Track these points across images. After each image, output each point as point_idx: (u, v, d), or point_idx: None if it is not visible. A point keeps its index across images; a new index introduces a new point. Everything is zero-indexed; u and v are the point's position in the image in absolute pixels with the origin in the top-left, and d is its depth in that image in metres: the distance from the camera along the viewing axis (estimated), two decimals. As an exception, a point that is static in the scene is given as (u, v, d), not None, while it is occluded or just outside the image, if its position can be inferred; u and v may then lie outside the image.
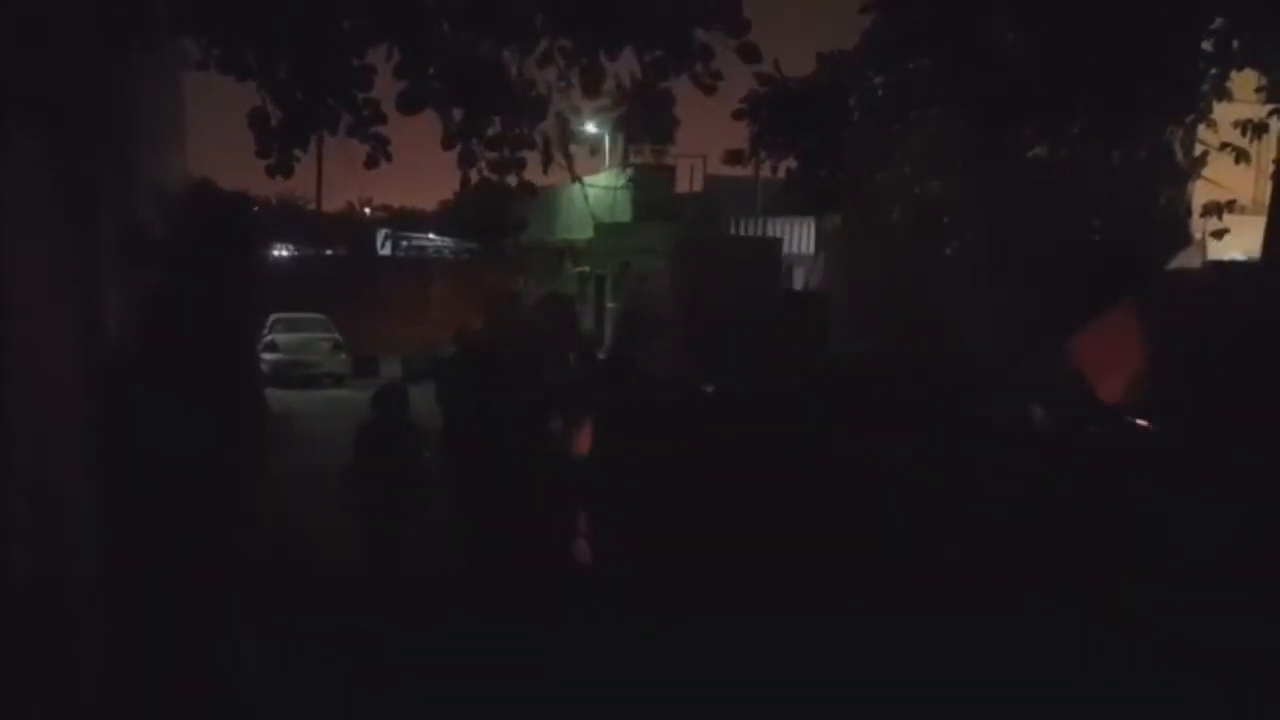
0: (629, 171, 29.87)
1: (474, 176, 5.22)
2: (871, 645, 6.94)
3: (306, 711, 5.85)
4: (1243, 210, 10.50)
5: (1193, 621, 7.23)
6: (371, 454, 7.31)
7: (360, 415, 7.88)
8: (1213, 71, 8.45)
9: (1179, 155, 12.30)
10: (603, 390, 8.32)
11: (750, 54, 5.03)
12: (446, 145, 5.06)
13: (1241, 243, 12.03)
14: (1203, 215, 10.20)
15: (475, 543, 7.86)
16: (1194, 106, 9.04)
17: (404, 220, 47.45)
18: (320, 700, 5.91)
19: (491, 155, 5.10)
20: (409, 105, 4.96)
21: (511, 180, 5.16)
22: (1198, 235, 12.97)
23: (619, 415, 7.90)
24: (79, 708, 4.34)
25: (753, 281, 13.94)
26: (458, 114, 5.00)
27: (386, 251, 37.47)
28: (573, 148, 5.36)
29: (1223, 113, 9.12)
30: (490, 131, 5.06)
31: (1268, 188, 10.32)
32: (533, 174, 5.45)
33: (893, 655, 6.77)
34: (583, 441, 8.01)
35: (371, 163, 5.26)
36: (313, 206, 40.69)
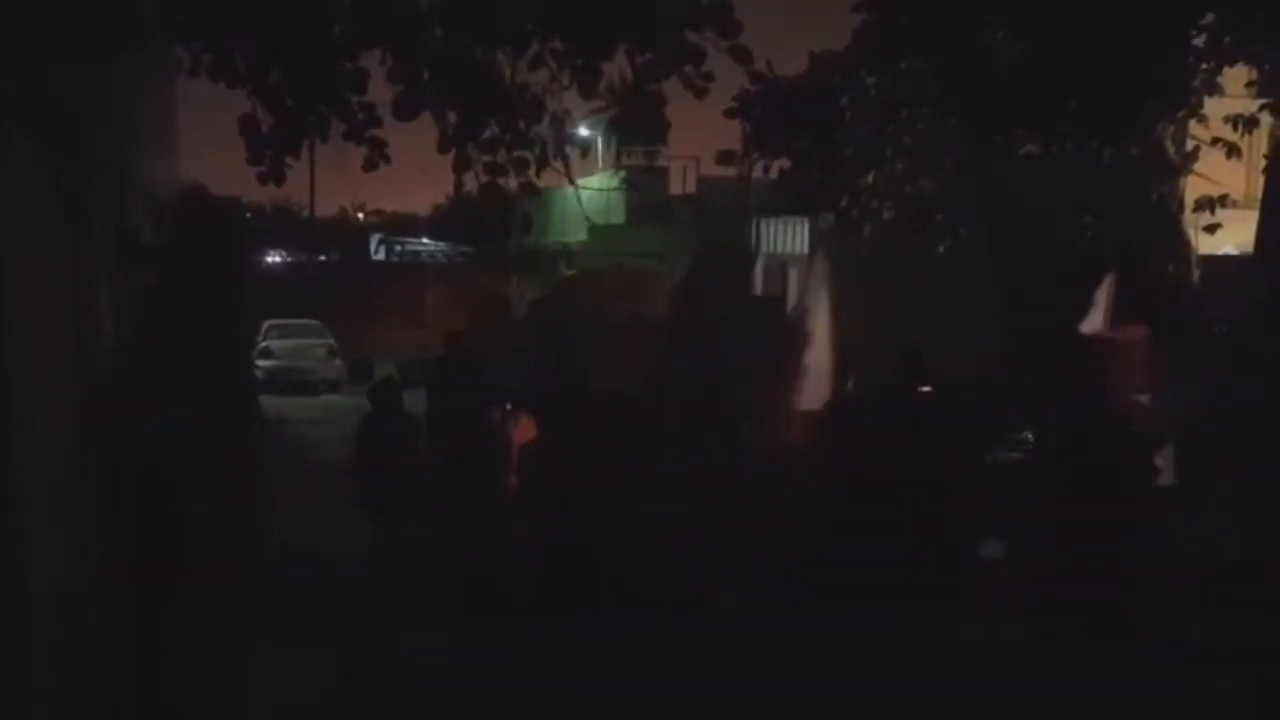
0: (622, 173, 29.87)
1: (469, 181, 5.21)
2: (872, 651, 6.93)
3: (307, 712, 5.85)
4: (1235, 205, 10.50)
5: (1192, 622, 7.24)
6: (374, 448, 7.44)
7: (355, 419, 7.93)
8: (1204, 66, 8.46)
9: (1170, 151, 12.31)
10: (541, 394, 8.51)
11: (742, 56, 5.04)
12: (443, 149, 5.05)
13: (1234, 237, 12.05)
14: (1195, 210, 10.22)
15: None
16: (1185, 102, 9.05)
17: (397, 225, 47.36)
18: (321, 701, 5.91)
19: (487, 159, 5.09)
20: (405, 111, 4.95)
21: (512, 182, 5.15)
22: (1190, 230, 12.99)
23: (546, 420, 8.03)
24: (79, 709, 4.33)
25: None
26: (453, 118, 4.98)
27: (380, 256, 37.41)
28: (568, 149, 5.32)
29: (1214, 108, 9.15)
30: (486, 134, 5.05)
31: (1260, 182, 10.34)
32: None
33: (895, 660, 6.77)
34: (517, 441, 8.15)
35: (370, 166, 5.23)
36: (306, 212, 40.64)
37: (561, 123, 5.14)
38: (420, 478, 7.65)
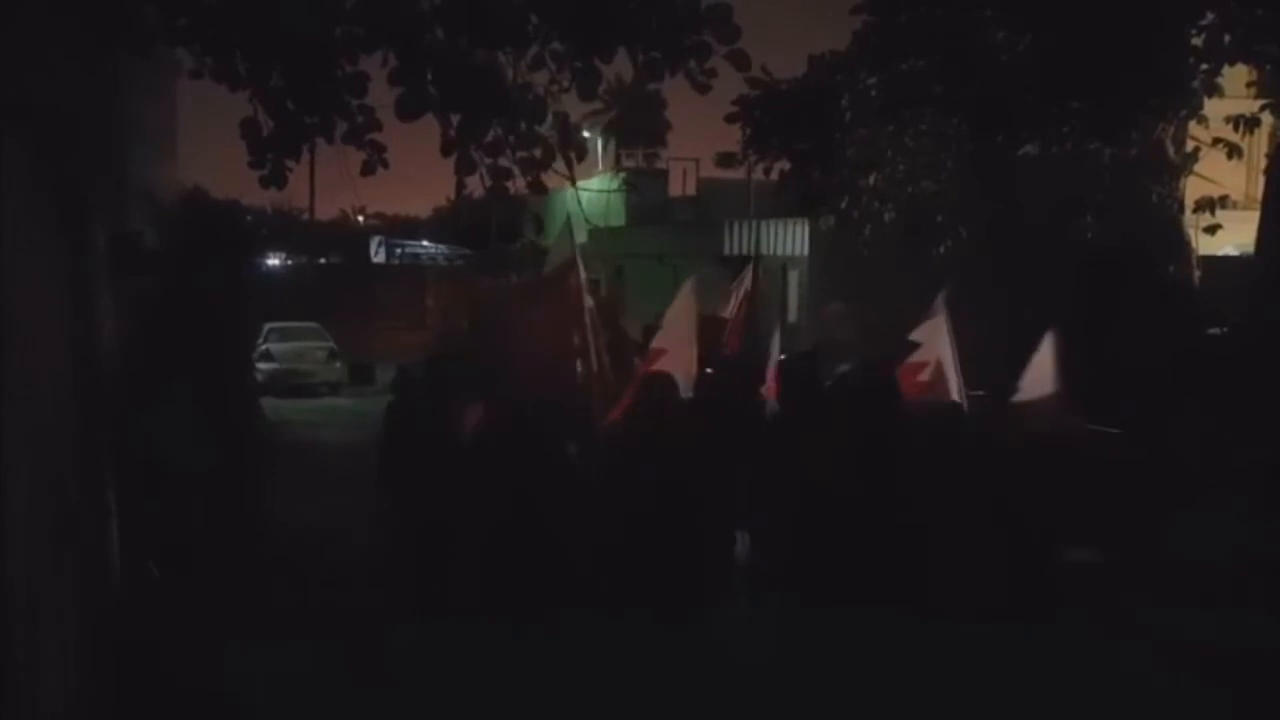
0: (622, 175, 29.86)
1: (472, 184, 5.20)
2: (868, 649, 6.94)
3: (306, 712, 5.85)
4: (1235, 205, 10.51)
5: (1190, 623, 7.24)
6: (399, 434, 7.54)
7: (355, 424, 7.94)
8: (1203, 67, 8.46)
9: (1170, 151, 12.32)
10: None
11: (740, 62, 5.04)
12: (446, 152, 5.04)
13: (1234, 238, 12.07)
14: (1195, 211, 10.23)
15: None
16: (1185, 102, 9.06)
17: (398, 228, 47.38)
18: (321, 701, 5.91)
19: (490, 161, 5.08)
20: (408, 111, 4.94)
21: (518, 183, 5.14)
22: (1190, 231, 13.01)
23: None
24: (78, 712, 4.32)
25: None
26: (455, 120, 4.98)
27: (381, 259, 37.43)
28: (570, 150, 5.31)
29: (1214, 108, 9.15)
30: (489, 136, 5.04)
31: (1260, 183, 10.35)
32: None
33: (892, 660, 6.76)
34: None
35: (368, 169, 5.24)
36: (307, 215, 40.66)
37: (565, 123, 5.12)
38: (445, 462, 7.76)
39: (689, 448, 7.45)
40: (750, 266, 10.33)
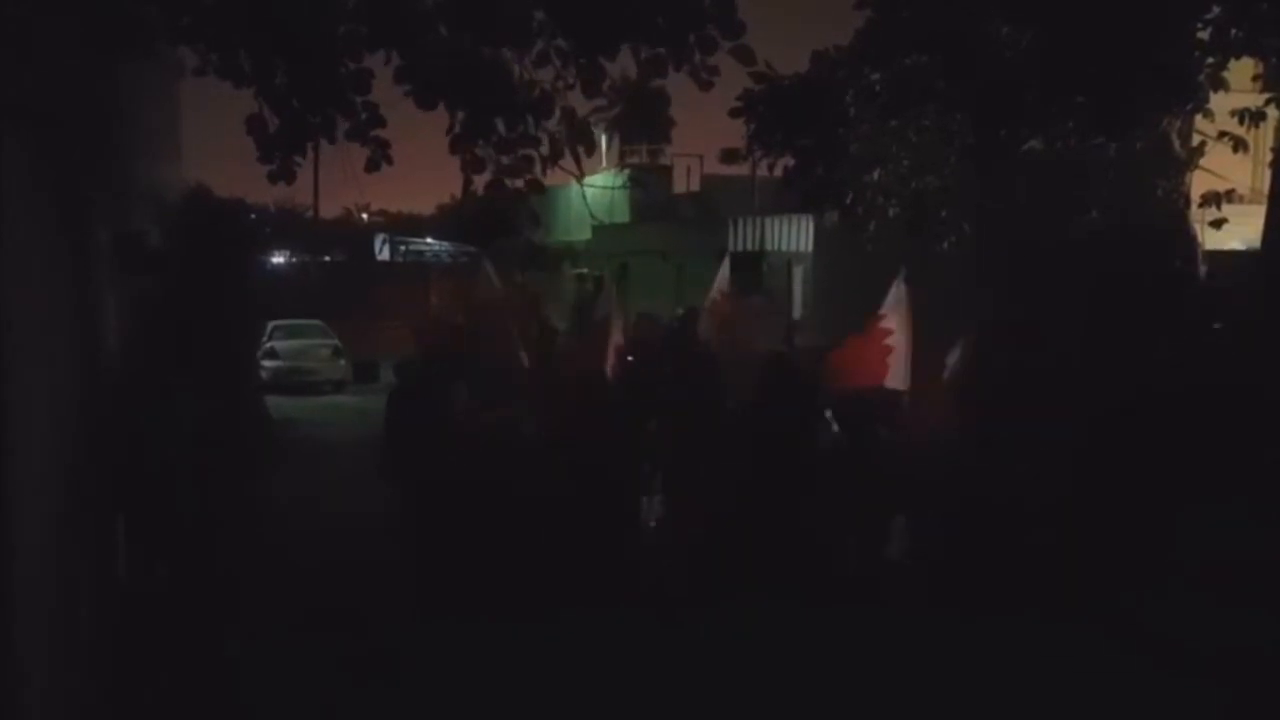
0: (626, 172, 29.84)
1: (477, 181, 5.19)
2: (868, 649, 6.94)
3: (306, 712, 5.86)
4: (1242, 199, 10.46)
5: (1188, 625, 7.22)
6: (403, 420, 7.98)
7: (359, 421, 7.98)
8: (1209, 61, 8.43)
9: (1176, 146, 12.26)
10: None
11: (745, 57, 5.03)
12: (455, 150, 5.04)
13: (1240, 232, 12.02)
14: (1201, 205, 10.18)
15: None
16: (1190, 96, 9.01)
17: (402, 225, 47.40)
18: (320, 701, 5.92)
19: (495, 157, 5.08)
20: (423, 101, 4.94)
21: (518, 181, 5.13)
22: (1196, 226, 12.96)
23: None
24: (79, 712, 4.33)
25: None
26: (461, 116, 4.97)
27: (385, 257, 37.44)
28: (579, 147, 5.31)
29: (1220, 102, 9.11)
30: (494, 135, 5.04)
31: (1266, 176, 10.30)
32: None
33: (890, 660, 6.76)
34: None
35: (372, 166, 5.24)
36: (311, 213, 40.65)
37: (572, 118, 5.12)
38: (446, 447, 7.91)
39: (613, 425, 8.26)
40: (725, 262, 10.59)
